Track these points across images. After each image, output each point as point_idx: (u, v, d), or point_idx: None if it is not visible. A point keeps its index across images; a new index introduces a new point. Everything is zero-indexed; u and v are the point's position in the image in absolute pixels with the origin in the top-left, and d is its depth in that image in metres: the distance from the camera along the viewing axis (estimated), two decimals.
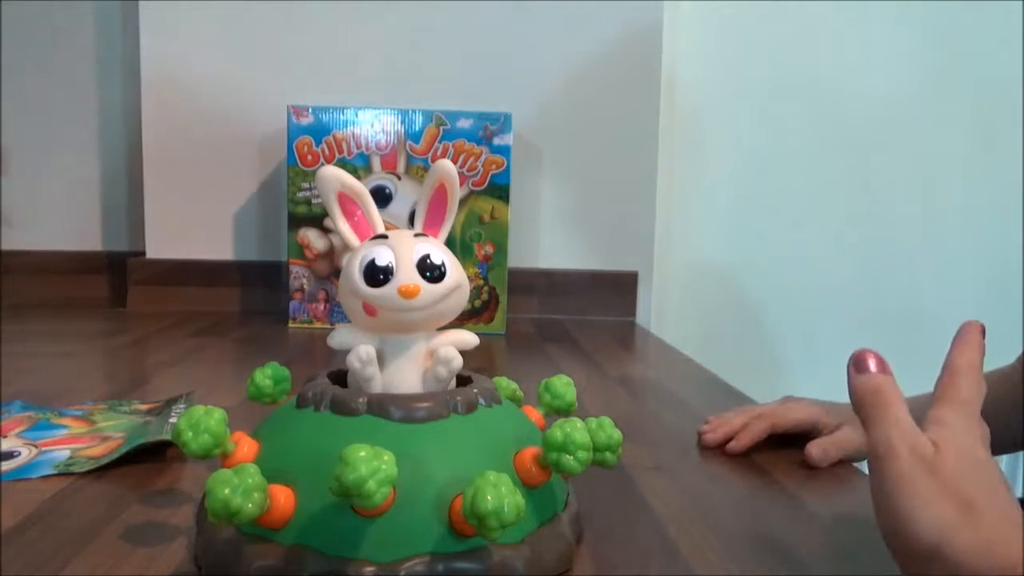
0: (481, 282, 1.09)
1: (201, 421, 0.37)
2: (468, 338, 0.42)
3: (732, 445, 0.59)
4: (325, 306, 1.10)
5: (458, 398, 0.39)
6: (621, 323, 1.21)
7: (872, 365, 0.37)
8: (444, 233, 0.43)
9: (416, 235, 0.41)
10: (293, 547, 0.34)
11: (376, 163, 1.08)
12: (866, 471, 0.63)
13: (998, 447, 0.75)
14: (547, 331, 1.12)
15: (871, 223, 1.37)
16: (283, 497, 0.34)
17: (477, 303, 1.10)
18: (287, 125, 1.08)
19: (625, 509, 0.48)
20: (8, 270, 1.27)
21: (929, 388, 0.80)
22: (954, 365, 0.38)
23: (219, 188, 1.22)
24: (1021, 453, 1.25)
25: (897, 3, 1.33)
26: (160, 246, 1.22)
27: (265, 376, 0.44)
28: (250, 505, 0.32)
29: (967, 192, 1.38)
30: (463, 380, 0.43)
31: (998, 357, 0.81)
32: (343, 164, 1.07)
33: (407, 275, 0.38)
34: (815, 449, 0.57)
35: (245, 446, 0.38)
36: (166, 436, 0.53)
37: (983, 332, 0.39)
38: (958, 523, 0.31)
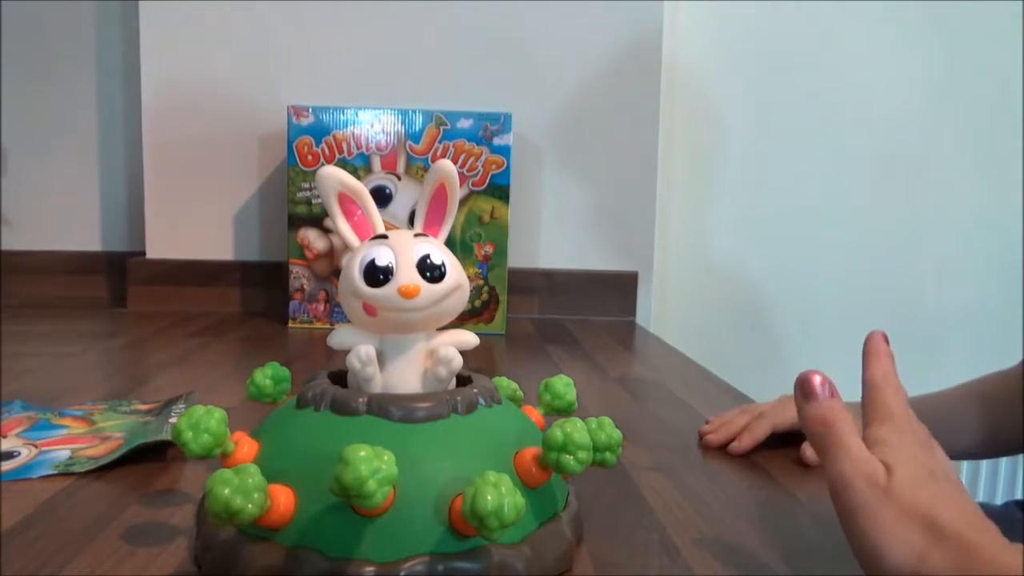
0: (481, 282, 1.09)
1: (201, 421, 0.37)
2: (468, 338, 0.42)
3: (734, 446, 0.59)
4: (325, 306, 1.10)
5: (458, 398, 0.39)
6: (621, 323, 1.21)
7: (819, 390, 0.36)
8: (444, 233, 0.43)
9: (416, 235, 0.41)
10: (293, 547, 0.34)
11: (376, 163, 1.08)
12: None
13: (1011, 448, 0.74)
14: (547, 331, 1.12)
15: (872, 223, 1.37)
16: (283, 497, 0.34)
17: (477, 303, 1.10)
18: (287, 125, 1.08)
19: (625, 509, 0.48)
20: (8, 270, 1.27)
21: (931, 388, 0.80)
22: (872, 381, 0.38)
23: (219, 188, 1.22)
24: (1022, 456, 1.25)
25: (900, 3, 1.33)
26: (160, 246, 1.22)
27: (265, 376, 0.44)
28: (250, 505, 0.32)
29: (968, 193, 1.38)
30: (463, 380, 0.43)
31: (998, 357, 0.81)
32: (343, 164, 1.07)
33: (407, 275, 0.38)
34: (809, 450, 0.57)
35: (245, 446, 0.38)
36: (166, 436, 0.53)
37: (887, 339, 0.40)
38: (927, 547, 0.31)
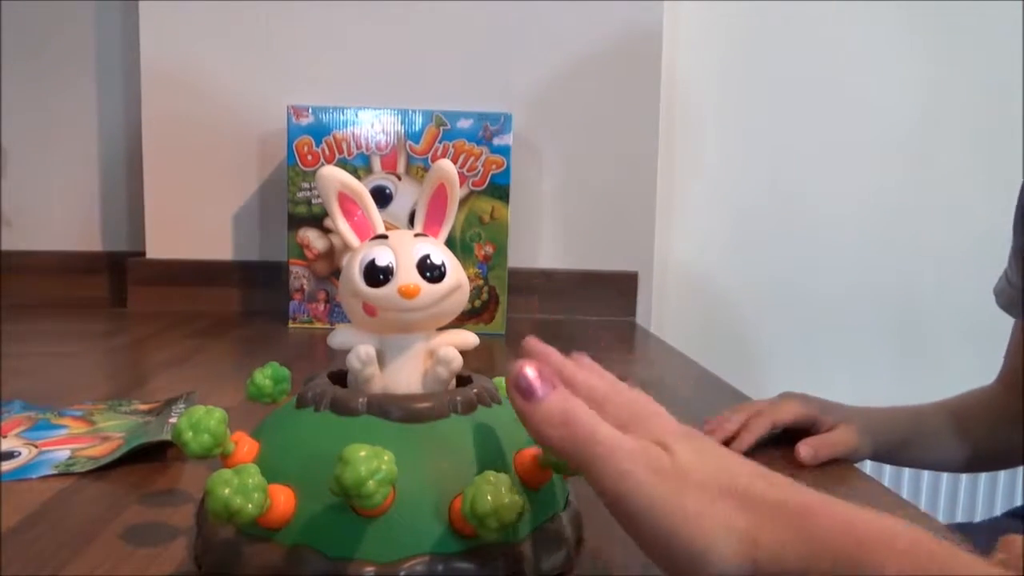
0: (481, 282, 1.09)
1: (201, 421, 0.36)
2: (468, 338, 0.42)
3: (734, 445, 0.59)
4: (325, 306, 1.10)
5: (458, 398, 0.39)
6: (621, 323, 1.21)
7: (538, 386, 0.30)
8: (444, 233, 0.43)
9: (416, 235, 0.41)
10: (293, 547, 0.34)
11: (376, 163, 1.08)
12: (866, 471, 0.63)
13: (991, 463, 0.75)
14: (547, 331, 1.12)
15: (871, 223, 1.37)
16: (283, 497, 0.34)
17: (477, 303, 1.10)
18: (287, 125, 1.07)
19: None
20: (8, 270, 1.27)
21: (931, 389, 0.80)
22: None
23: (219, 188, 1.22)
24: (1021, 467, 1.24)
25: (900, 3, 1.33)
26: (160, 246, 1.22)
27: (265, 376, 0.44)
28: (250, 505, 0.32)
29: (968, 196, 1.38)
30: (463, 380, 0.43)
31: (999, 359, 0.81)
32: (343, 164, 1.07)
33: (407, 275, 0.38)
34: (804, 449, 0.57)
35: (245, 446, 0.38)
36: (166, 436, 0.53)
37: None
38: (755, 526, 0.26)
